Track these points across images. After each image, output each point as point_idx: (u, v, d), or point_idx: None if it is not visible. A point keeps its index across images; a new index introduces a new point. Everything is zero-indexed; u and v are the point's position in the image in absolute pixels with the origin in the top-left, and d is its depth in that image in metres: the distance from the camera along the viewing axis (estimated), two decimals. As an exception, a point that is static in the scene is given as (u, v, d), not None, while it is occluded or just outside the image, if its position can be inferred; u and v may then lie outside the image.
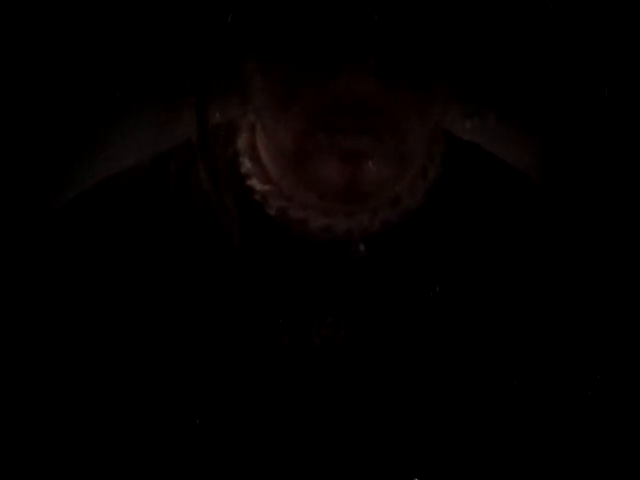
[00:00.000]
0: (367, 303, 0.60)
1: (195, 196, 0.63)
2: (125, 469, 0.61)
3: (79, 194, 0.67)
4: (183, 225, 0.63)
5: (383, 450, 0.60)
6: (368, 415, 0.60)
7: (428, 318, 0.61)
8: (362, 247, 0.60)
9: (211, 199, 0.62)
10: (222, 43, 0.58)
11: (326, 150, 0.54)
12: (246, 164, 0.63)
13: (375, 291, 0.60)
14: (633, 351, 0.64)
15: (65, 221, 0.65)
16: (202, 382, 0.60)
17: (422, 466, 0.60)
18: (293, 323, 0.60)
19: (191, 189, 0.63)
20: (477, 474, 0.62)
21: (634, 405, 0.63)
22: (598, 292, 0.64)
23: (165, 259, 0.62)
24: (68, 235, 0.64)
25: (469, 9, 0.54)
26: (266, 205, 0.62)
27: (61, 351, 0.63)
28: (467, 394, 0.61)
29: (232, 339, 0.60)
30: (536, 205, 0.66)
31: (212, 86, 0.61)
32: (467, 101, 0.67)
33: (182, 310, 0.61)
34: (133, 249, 0.63)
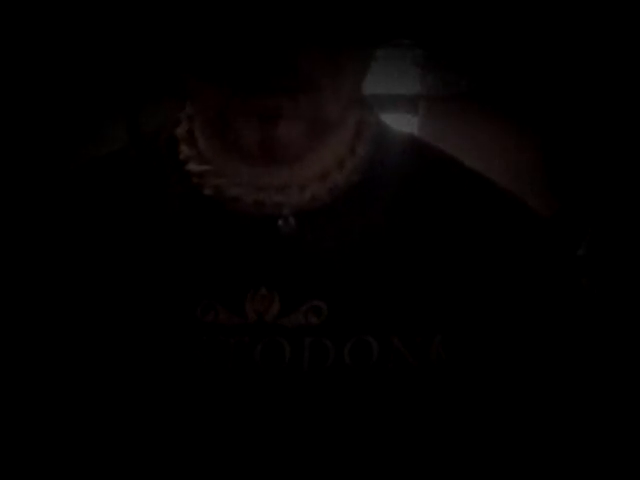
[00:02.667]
0: (300, 275, 0.62)
1: (142, 185, 0.67)
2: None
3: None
4: (130, 211, 0.66)
5: (327, 434, 0.61)
6: (306, 395, 0.61)
7: (357, 291, 0.62)
8: (292, 220, 0.62)
9: (155, 185, 0.66)
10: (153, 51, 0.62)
11: (243, 111, 0.57)
12: (184, 150, 0.66)
13: (307, 264, 0.62)
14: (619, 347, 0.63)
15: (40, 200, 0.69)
16: (139, 358, 0.61)
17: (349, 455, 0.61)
18: (227, 295, 0.61)
19: (140, 179, 0.67)
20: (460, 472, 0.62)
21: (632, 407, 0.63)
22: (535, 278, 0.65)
23: (112, 235, 0.65)
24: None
25: None
26: (203, 186, 0.64)
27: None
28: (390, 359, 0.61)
29: (169, 313, 0.62)
30: (460, 189, 0.67)
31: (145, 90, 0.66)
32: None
33: (120, 284, 0.63)
34: (89, 225, 0.66)
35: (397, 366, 0.60)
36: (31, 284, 0.65)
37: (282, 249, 0.62)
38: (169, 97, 0.69)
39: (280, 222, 0.62)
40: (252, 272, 0.62)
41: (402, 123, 1.73)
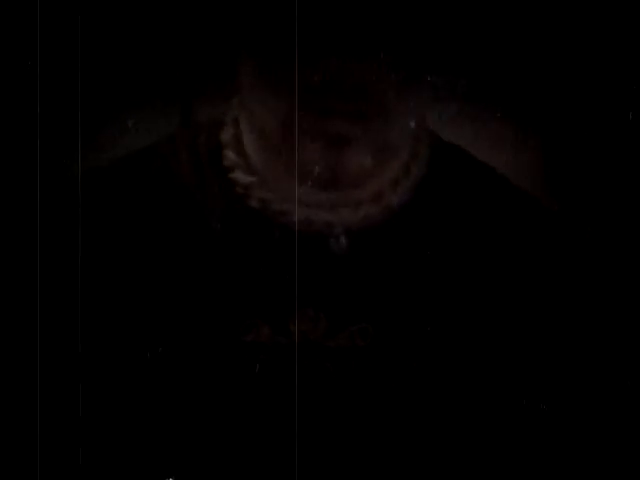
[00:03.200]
0: (348, 296, 0.60)
1: (177, 189, 0.63)
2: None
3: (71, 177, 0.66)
4: (165, 218, 0.62)
5: (366, 446, 0.60)
6: (348, 416, 0.59)
7: (408, 314, 0.60)
8: (343, 240, 0.60)
9: (193, 191, 0.62)
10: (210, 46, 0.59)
11: (310, 132, 0.54)
12: (230, 156, 0.62)
13: (356, 285, 0.60)
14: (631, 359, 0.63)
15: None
16: (179, 377, 0.59)
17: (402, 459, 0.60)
18: (271, 314, 0.59)
19: (174, 182, 0.63)
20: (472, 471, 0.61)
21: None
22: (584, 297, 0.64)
23: (147, 250, 0.62)
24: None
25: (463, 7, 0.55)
26: (248, 197, 0.61)
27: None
28: (447, 388, 0.60)
29: (212, 330, 0.59)
30: (517, 209, 0.66)
31: (197, 86, 0.62)
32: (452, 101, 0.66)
33: (162, 299, 0.60)
34: (117, 240, 0.62)
35: (441, 391, 0.59)
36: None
37: (331, 268, 0.60)
38: (212, 93, 0.65)
39: (331, 241, 0.60)
40: (298, 291, 0.59)
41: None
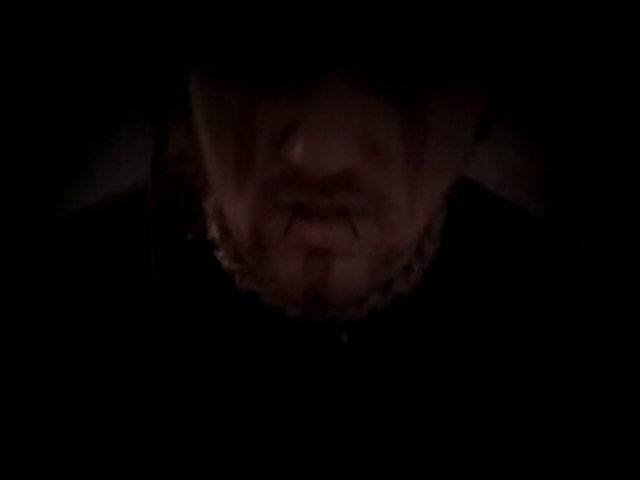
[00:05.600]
0: (351, 393, 0.51)
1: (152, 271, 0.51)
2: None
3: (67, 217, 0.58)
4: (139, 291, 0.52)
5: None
6: None
7: (418, 409, 0.51)
8: (345, 337, 0.51)
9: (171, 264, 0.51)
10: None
11: (284, 241, 0.40)
12: (213, 232, 0.52)
13: (360, 380, 0.52)
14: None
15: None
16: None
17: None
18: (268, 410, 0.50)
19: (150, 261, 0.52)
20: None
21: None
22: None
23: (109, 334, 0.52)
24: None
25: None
26: (236, 283, 0.51)
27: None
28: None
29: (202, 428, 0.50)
30: (545, 284, 0.55)
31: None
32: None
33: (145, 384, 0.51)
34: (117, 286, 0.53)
35: None
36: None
37: (332, 364, 0.51)
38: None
39: (332, 338, 0.50)
40: (297, 390, 0.51)
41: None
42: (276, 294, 0.50)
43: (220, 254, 0.51)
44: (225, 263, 0.51)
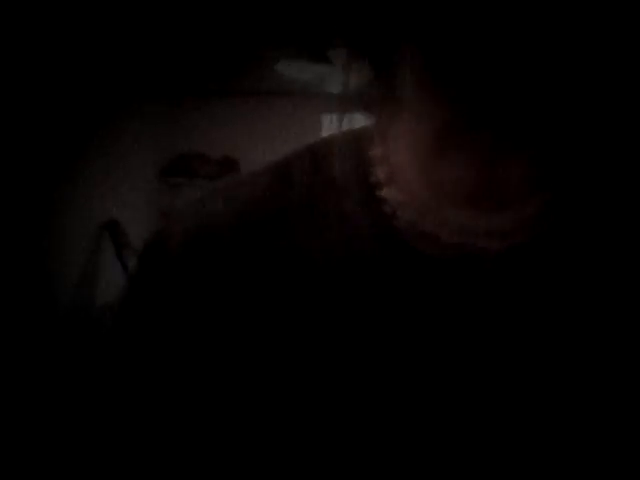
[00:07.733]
0: (503, 324, 0.52)
1: (318, 212, 0.56)
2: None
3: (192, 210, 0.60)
4: (306, 243, 0.56)
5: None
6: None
7: (567, 342, 0.52)
8: (490, 267, 0.52)
9: (337, 215, 0.56)
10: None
11: (467, 147, 0.49)
12: (378, 173, 0.56)
13: (510, 311, 0.52)
14: None
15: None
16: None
17: None
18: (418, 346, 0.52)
19: (315, 204, 0.57)
20: None
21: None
22: None
23: (286, 282, 0.54)
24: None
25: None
26: (395, 218, 0.54)
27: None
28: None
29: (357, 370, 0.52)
30: None
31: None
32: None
33: (299, 336, 0.53)
34: (253, 275, 0.55)
35: None
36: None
37: (478, 295, 0.52)
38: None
39: (483, 267, 0.52)
40: (446, 325, 0.52)
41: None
42: (436, 219, 0.53)
43: (383, 191, 0.55)
44: (389, 196, 0.55)
